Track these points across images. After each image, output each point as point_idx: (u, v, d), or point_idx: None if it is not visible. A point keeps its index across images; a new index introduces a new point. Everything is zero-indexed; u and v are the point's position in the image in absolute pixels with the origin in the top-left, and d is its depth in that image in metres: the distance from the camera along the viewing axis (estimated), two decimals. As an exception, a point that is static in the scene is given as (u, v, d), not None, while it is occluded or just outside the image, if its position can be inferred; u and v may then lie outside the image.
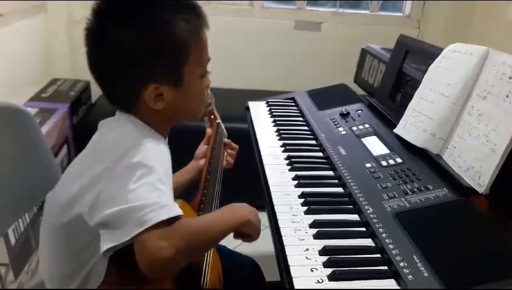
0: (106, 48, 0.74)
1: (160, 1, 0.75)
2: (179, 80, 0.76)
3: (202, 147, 1.16)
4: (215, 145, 1.09)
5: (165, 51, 0.74)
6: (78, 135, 2.05)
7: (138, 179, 0.66)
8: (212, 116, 1.17)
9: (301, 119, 1.37)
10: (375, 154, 1.04)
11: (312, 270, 0.70)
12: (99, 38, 0.75)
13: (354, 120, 1.25)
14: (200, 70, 0.80)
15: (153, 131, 0.78)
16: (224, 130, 1.20)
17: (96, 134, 0.81)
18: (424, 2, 2.58)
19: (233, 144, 1.18)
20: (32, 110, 1.76)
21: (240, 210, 0.78)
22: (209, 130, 1.16)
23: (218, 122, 1.16)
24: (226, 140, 1.17)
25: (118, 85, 0.77)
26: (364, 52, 1.55)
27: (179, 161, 0.98)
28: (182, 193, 1.06)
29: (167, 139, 0.89)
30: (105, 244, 0.66)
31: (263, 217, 0.86)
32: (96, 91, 2.26)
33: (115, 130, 0.78)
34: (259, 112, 1.44)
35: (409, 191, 0.87)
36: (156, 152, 0.73)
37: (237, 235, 0.79)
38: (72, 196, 0.73)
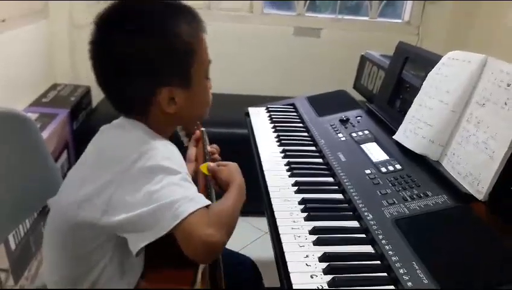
0: (113, 59, 0.76)
1: (162, 7, 0.78)
2: (188, 81, 0.79)
3: (193, 149, 1.10)
4: (206, 151, 1.08)
5: (173, 54, 0.76)
6: (79, 140, 2.05)
7: (160, 181, 0.69)
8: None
9: (301, 125, 1.37)
10: (374, 160, 1.04)
11: (312, 277, 0.70)
12: (105, 49, 0.76)
13: (354, 126, 1.25)
14: (204, 70, 0.83)
15: (158, 135, 0.79)
16: (207, 139, 1.14)
17: (98, 138, 0.81)
18: (424, 5, 2.59)
19: (216, 156, 1.08)
20: (32, 115, 1.77)
21: (238, 177, 0.86)
22: (197, 132, 1.11)
23: (203, 130, 1.11)
24: (209, 148, 1.10)
25: (128, 93, 0.78)
26: (364, 59, 1.56)
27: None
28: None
29: None
30: (140, 244, 0.68)
31: (263, 222, 0.86)
32: (96, 96, 2.27)
33: (123, 136, 0.79)
34: (259, 117, 1.45)
35: (408, 198, 0.88)
36: (170, 154, 0.76)
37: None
38: (79, 201, 0.73)
